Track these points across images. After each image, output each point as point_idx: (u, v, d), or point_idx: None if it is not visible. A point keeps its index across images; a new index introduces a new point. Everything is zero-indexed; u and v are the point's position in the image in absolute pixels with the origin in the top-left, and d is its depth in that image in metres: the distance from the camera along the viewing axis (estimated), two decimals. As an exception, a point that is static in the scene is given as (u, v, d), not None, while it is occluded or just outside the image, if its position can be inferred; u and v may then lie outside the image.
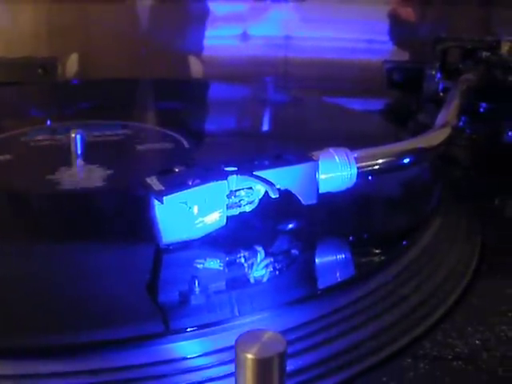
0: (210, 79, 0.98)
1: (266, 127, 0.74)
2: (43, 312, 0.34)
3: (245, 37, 1.00)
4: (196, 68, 1.02)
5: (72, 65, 0.98)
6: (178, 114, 0.73)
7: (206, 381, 0.32)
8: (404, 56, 0.97)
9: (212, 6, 1.01)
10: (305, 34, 0.99)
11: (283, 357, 0.25)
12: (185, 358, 0.32)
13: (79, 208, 0.48)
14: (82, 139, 0.55)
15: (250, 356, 0.25)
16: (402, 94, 0.87)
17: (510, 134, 0.69)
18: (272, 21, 1.01)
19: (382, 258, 0.42)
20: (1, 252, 0.41)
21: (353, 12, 0.96)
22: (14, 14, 1.00)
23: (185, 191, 0.38)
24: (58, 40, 1.00)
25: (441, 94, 0.74)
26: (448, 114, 0.56)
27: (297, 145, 0.59)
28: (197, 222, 0.39)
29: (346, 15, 0.96)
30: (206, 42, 1.01)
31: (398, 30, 0.98)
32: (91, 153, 0.56)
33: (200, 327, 0.33)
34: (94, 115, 0.68)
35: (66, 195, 0.49)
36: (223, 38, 1.01)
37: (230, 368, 0.32)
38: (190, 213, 0.39)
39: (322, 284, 0.39)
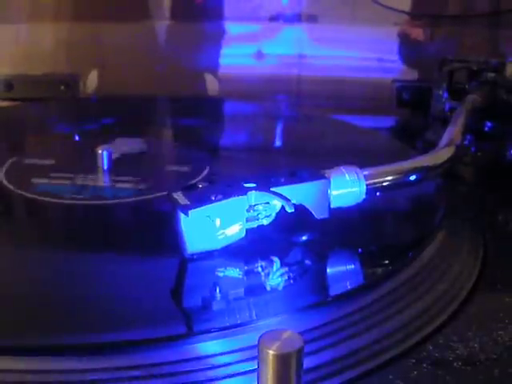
0: (226, 97, 1.00)
1: (278, 144, 0.76)
2: (87, 314, 0.37)
3: (259, 55, 1.02)
4: (212, 86, 1.05)
5: (92, 81, 1.01)
6: (194, 130, 0.75)
7: (228, 377, 0.35)
8: (413, 75, 0.98)
9: (227, 25, 1.03)
10: (317, 52, 1.01)
11: (301, 353, 0.28)
12: (208, 356, 0.35)
13: (115, 219, 0.52)
14: (109, 155, 0.59)
15: (271, 352, 0.28)
16: (411, 113, 0.89)
17: (512, 152, 0.71)
18: (285, 40, 1.03)
19: (389, 268, 0.44)
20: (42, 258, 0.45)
21: (364, 32, 0.97)
22: (35, 33, 1.03)
23: (208, 205, 0.41)
24: (78, 57, 1.03)
25: (448, 113, 0.75)
26: (453, 133, 0.58)
27: (308, 161, 0.61)
28: (219, 233, 0.42)
29: (357, 35, 0.98)
30: (222, 61, 1.04)
31: (408, 49, 0.99)
32: (116, 168, 0.59)
33: (222, 329, 0.36)
34: (113, 131, 0.71)
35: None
36: (238, 56, 1.03)
37: (249, 365, 0.35)
38: (213, 225, 0.41)
39: (332, 291, 0.41)
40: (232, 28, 1.03)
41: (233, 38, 1.04)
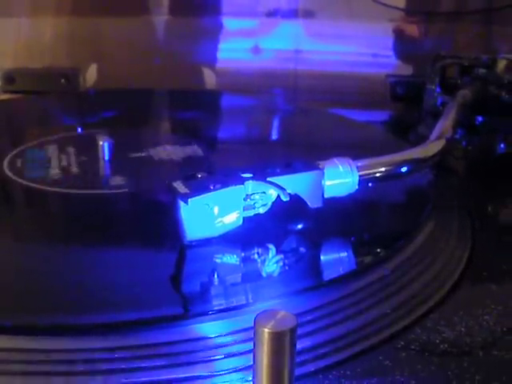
0: (223, 90, 1.02)
1: (274, 137, 0.77)
2: (94, 297, 0.39)
3: (256, 50, 1.04)
4: (209, 79, 1.06)
5: (91, 75, 1.02)
6: (192, 123, 0.76)
7: (225, 357, 0.36)
8: (407, 70, 1.00)
9: (225, 20, 1.05)
10: (314, 48, 1.02)
11: (294, 331, 0.29)
12: (206, 337, 0.37)
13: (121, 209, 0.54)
14: (110, 146, 0.60)
15: (266, 330, 0.29)
16: (404, 107, 0.90)
17: (502, 145, 0.73)
18: (282, 35, 1.04)
19: (380, 255, 0.46)
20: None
21: (359, 27, 0.98)
22: (35, 27, 1.04)
23: (207, 194, 0.42)
24: (77, 51, 1.04)
25: (440, 107, 0.76)
26: (443, 127, 0.59)
27: (304, 154, 0.62)
28: (217, 221, 0.43)
29: (353, 30, 0.99)
30: (220, 55, 1.05)
31: (402, 45, 1.00)
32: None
33: (218, 311, 0.38)
34: (112, 124, 0.73)
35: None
36: (236, 51, 1.04)
37: (245, 346, 0.36)
38: (211, 213, 0.43)
39: (325, 277, 0.43)
40: (229, 23, 1.04)
41: (230, 33, 1.05)
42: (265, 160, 0.62)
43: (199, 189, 0.43)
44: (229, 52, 1.05)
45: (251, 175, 0.45)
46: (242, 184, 0.44)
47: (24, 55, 1.02)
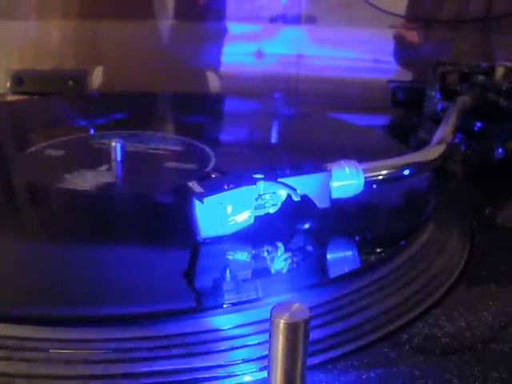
0: (226, 93, 1.04)
1: (275, 140, 0.78)
2: (119, 290, 0.41)
3: (259, 55, 1.06)
4: (213, 83, 1.08)
5: (97, 78, 1.04)
6: (195, 125, 0.78)
7: (239, 347, 0.38)
8: (407, 76, 1.02)
9: (229, 25, 1.07)
10: (315, 53, 1.04)
11: (308, 323, 0.31)
12: (219, 329, 0.39)
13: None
14: (122, 148, 0.62)
15: (282, 321, 0.31)
16: (405, 112, 0.92)
17: (499, 150, 0.75)
18: (285, 40, 1.06)
19: (383, 254, 0.48)
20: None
21: (360, 33, 1.00)
22: (42, 30, 1.05)
23: (221, 194, 0.44)
24: (83, 54, 1.06)
25: (440, 113, 0.78)
26: (444, 132, 0.61)
27: (306, 157, 0.64)
28: (229, 220, 0.45)
29: (355, 36, 1.01)
30: (224, 59, 1.07)
31: (403, 51, 1.03)
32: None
33: (231, 305, 0.40)
34: (117, 126, 0.74)
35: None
36: (239, 55, 1.07)
37: (257, 337, 0.38)
38: (225, 212, 0.44)
39: (332, 274, 0.45)
40: (233, 28, 1.07)
41: (234, 38, 1.07)
42: (267, 163, 0.64)
43: (214, 188, 0.45)
44: (232, 56, 1.07)
45: (263, 176, 0.46)
46: (255, 184, 0.46)
47: (30, 57, 1.04)
